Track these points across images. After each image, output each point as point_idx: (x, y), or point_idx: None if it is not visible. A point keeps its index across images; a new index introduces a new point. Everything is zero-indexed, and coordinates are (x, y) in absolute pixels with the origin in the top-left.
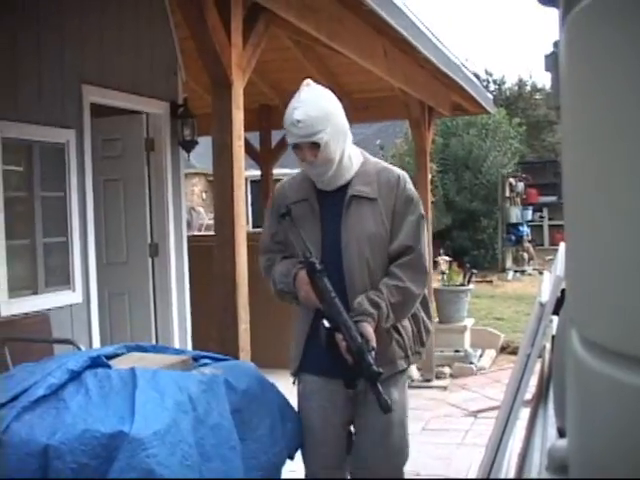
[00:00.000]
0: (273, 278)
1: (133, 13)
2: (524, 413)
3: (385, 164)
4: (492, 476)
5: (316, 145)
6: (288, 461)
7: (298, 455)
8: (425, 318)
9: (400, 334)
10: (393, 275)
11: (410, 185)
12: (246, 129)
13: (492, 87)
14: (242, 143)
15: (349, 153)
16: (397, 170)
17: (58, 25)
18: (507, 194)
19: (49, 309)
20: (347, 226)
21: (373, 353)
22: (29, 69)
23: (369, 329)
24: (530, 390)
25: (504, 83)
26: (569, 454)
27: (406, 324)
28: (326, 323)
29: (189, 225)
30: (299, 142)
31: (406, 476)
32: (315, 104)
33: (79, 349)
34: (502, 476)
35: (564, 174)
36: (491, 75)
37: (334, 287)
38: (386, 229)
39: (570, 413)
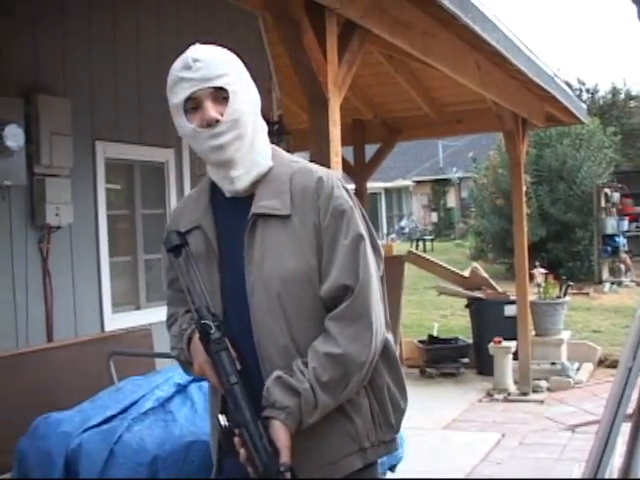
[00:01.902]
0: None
1: (227, 32)
2: (625, 428)
3: (304, 163)
4: None
5: (222, 94)
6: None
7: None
8: (392, 385)
9: (349, 417)
10: (326, 335)
11: (341, 190)
12: (343, 145)
13: (585, 96)
14: (339, 159)
15: (262, 138)
16: (319, 170)
17: (155, 48)
18: (602, 205)
19: (150, 323)
20: (252, 261)
21: (288, 474)
22: (129, 92)
23: (281, 434)
24: (631, 404)
25: (597, 91)
26: None
27: (360, 401)
28: (222, 420)
29: None
30: (197, 90)
31: None
32: (215, 48)
33: None
34: None
35: None
36: (584, 84)
37: (246, 356)
38: (308, 262)
39: None
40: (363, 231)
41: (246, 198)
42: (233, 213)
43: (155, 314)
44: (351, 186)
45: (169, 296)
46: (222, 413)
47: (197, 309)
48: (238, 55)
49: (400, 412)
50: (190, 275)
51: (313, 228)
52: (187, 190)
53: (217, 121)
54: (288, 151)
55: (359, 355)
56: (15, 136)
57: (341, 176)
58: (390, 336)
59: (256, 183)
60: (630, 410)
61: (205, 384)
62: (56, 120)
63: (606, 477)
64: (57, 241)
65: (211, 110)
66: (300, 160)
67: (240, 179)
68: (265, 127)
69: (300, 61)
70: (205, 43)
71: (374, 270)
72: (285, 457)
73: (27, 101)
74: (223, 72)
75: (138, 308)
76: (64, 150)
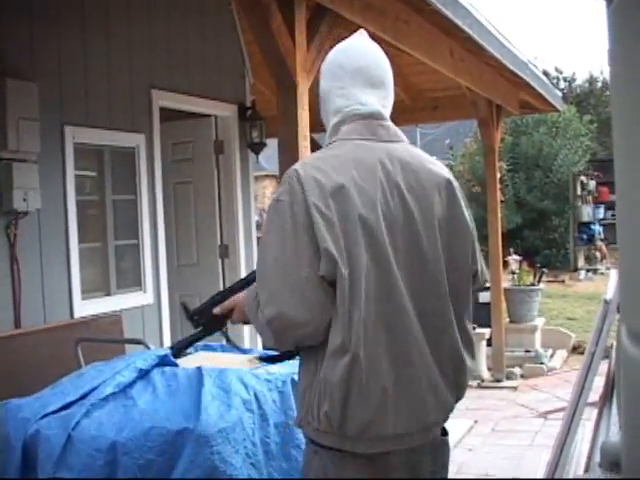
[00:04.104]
0: None
1: (199, 18)
2: (594, 413)
3: (316, 153)
4: (556, 476)
5: None
6: None
7: None
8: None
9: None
10: None
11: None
12: (313, 130)
13: (562, 84)
14: (308, 144)
15: (338, 129)
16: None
17: (126, 34)
18: (578, 192)
19: (121, 310)
20: None
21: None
22: (99, 77)
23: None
24: (598, 390)
25: (574, 80)
26: (621, 450)
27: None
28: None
29: (259, 226)
30: None
31: (475, 476)
32: None
33: (149, 349)
34: (571, 476)
35: (616, 164)
36: (561, 72)
37: None
38: None
39: (623, 408)
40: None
41: None
42: None
43: (126, 300)
44: None
45: None
46: None
47: None
48: (212, 40)
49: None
50: None
51: None
52: (158, 175)
53: None
54: (261, 136)
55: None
56: None
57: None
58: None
59: None
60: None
61: (167, 369)
62: (24, 104)
63: (573, 461)
64: (25, 227)
65: None
66: (326, 151)
67: None
68: (331, 117)
69: (268, 45)
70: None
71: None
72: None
73: None
74: None
75: (108, 294)
76: (32, 135)
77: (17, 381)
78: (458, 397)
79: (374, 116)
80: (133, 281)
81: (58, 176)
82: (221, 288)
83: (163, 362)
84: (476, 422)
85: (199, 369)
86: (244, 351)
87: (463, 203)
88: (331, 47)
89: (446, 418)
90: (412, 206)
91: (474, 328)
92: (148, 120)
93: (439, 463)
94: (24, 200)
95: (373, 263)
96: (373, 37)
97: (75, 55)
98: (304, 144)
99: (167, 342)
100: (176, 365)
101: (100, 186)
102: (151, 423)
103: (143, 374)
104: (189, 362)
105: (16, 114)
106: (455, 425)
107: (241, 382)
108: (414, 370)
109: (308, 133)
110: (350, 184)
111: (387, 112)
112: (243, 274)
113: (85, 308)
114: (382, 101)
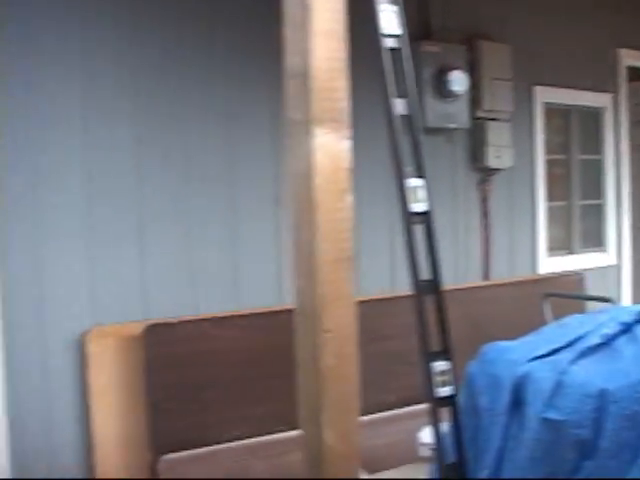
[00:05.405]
0: None
1: None
2: None
3: None
4: None
5: None
6: None
7: None
8: None
9: None
10: None
11: None
12: None
13: None
14: None
15: None
16: None
17: None
18: None
19: (583, 269)
20: None
21: None
22: (566, 37)
23: None
24: None
25: None
26: None
27: None
28: None
29: None
30: None
31: None
32: None
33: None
34: None
35: None
36: None
37: None
38: None
39: None
40: None
41: None
42: None
43: (587, 260)
44: None
45: None
46: None
47: None
48: None
49: None
50: None
51: None
52: (624, 135)
53: None
54: None
55: None
56: (460, 81)
57: None
58: None
59: None
60: None
61: None
62: (497, 66)
63: None
64: (497, 183)
65: None
66: None
67: None
68: None
69: None
70: None
71: None
72: None
73: (469, 48)
74: None
75: (571, 253)
76: (504, 95)
77: (483, 328)
78: None
79: None
80: (595, 241)
81: (527, 135)
82: None
83: None
84: None
85: None
86: None
87: None
88: None
89: None
90: None
91: None
92: (614, 80)
93: None
94: (497, 157)
95: None
96: None
97: (542, 16)
98: None
99: (626, 303)
100: None
101: (566, 145)
102: (638, 375)
103: (626, 328)
104: None
105: (490, 74)
106: None
107: None
108: None
109: None
110: None
111: None
112: None
113: (548, 265)
114: None
